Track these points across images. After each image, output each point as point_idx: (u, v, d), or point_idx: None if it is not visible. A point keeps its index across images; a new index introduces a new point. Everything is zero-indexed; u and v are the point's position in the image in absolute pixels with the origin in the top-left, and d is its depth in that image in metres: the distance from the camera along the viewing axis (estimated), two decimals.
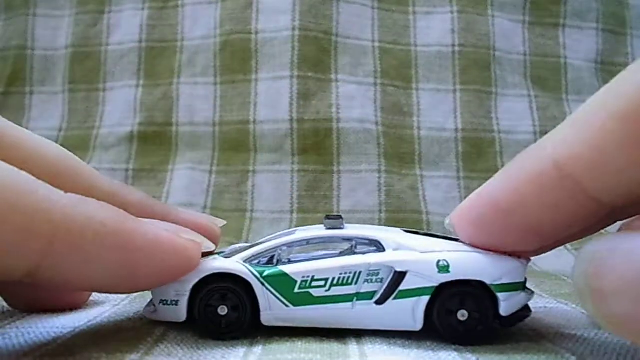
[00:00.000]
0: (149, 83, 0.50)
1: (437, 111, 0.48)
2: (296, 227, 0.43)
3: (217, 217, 0.43)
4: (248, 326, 0.21)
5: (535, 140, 0.48)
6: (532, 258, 0.23)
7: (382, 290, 0.21)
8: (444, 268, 0.21)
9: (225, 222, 0.28)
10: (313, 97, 0.47)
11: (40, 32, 0.53)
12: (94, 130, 0.50)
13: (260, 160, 0.47)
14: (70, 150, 0.24)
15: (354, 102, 0.47)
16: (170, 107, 0.49)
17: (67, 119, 0.51)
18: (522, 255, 0.21)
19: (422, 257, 0.21)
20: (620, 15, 0.53)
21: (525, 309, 0.22)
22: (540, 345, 0.21)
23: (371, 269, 0.21)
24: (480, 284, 0.21)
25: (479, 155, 0.48)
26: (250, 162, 0.47)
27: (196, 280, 0.21)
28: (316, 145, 0.46)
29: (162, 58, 0.50)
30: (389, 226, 0.28)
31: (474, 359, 0.19)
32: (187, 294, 0.21)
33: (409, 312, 0.21)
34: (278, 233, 0.25)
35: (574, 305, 0.27)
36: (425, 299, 0.21)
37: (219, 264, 0.22)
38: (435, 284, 0.21)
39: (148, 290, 0.22)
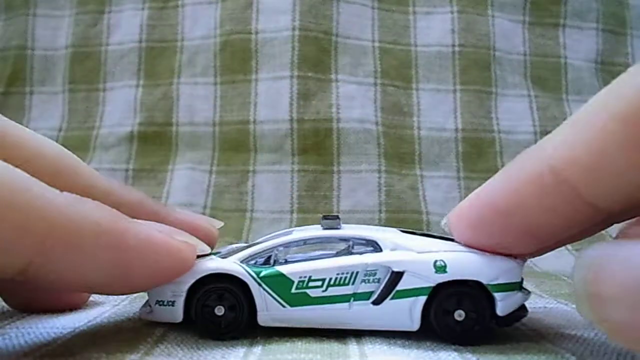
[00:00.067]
0: (149, 83, 0.50)
1: (437, 111, 0.48)
2: (296, 227, 0.43)
3: (217, 217, 0.43)
4: (245, 326, 0.21)
5: (535, 141, 0.48)
6: (532, 258, 0.23)
7: (379, 291, 0.21)
8: (441, 268, 0.21)
9: (222, 224, 0.28)
10: (313, 97, 0.47)
11: (40, 32, 0.53)
12: (94, 130, 0.50)
13: (260, 160, 0.47)
14: (70, 150, 0.24)
15: (354, 102, 0.47)
16: (170, 107, 0.49)
17: (67, 119, 0.51)
18: (518, 256, 0.21)
19: (419, 257, 0.21)
20: (620, 15, 0.53)
21: (522, 309, 0.22)
22: (540, 345, 0.21)
23: (368, 269, 0.21)
24: (477, 284, 0.21)
25: (479, 155, 0.48)
26: (250, 162, 0.47)
27: (192, 280, 0.21)
28: (316, 145, 0.46)
29: (162, 58, 0.50)
30: (388, 226, 0.28)
31: (474, 359, 0.20)
32: (184, 294, 0.21)
33: (406, 312, 0.21)
34: (275, 233, 0.25)
35: (574, 305, 0.27)
36: (423, 299, 0.21)
37: (215, 264, 0.22)
38: (432, 284, 0.21)
39: (143, 291, 0.22)
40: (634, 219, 0.17)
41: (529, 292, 0.22)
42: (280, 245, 0.22)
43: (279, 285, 0.21)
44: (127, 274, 0.19)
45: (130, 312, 0.25)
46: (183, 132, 0.49)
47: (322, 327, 0.22)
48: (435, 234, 0.23)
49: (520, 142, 0.48)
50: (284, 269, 0.21)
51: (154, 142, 0.49)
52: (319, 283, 0.21)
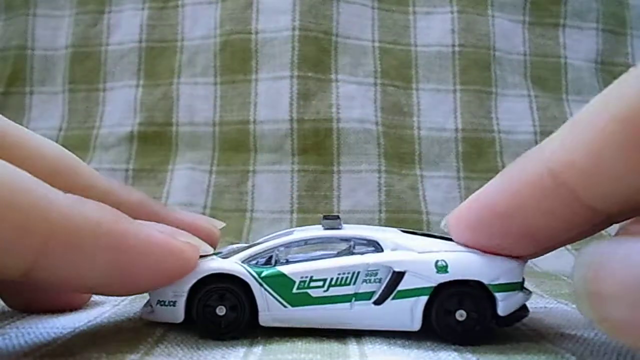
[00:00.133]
0: (149, 83, 0.50)
1: (437, 111, 0.48)
2: (296, 227, 0.43)
3: (217, 217, 0.43)
4: (246, 326, 0.21)
5: (535, 141, 0.49)
6: (531, 259, 0.23)
7: (380, 291, 0.21)
8: (442, 268, 0.21)
9: (224, 224, 0.28)
10: (313, 97, 0.47)
11: (40, 32, 0.53)
12: (94, 130, 0.50)
13: (260, 160, 0.47)
14: (70, 150, 0.24)
15: (354, 102, 0.47)
16: (170, 107, 0.49)
17: (67, 119, 0.51)
18: (518, 257, 0.21)
19: (420, 257, 0.21)
20: (620, 15, 0.53)
21: (523, 309, 0.22)
22: (540, 345, 0.21)
23: (369, 269, 0.21)
24: (478, 284, 0.21)
25: (479, 155, 0.48)
26: (250, 162, 0.47)
27: (194, 281, 0.21)
28: (316, 145, 0.46)
29: (162, 58, 0.50)
30: (388, 226, 0.28)
31: (474, 359, 0.19)
32: (185, 294, 0.21)
33: (408, 312, 0.21)
34: (276, 233, 0.25)
35: (574, 305, 0.27)
36: (424, 299, 0.21)
37: (216, 264, 0.22)
38: (434, 284, 0.21)
39: (145, 292, 0.22)
40: (634, 217, 0.17)
41: (530, 292, 0.22)
42: (281, 246, 0.22)
43: (281, 285, 0.21)
44: (128, 274, 0.19)
45: (131, 312, 0.25)
46: (183, 132, 0.49)
47: (324, 327, 0.22)
48: (435, 234, 0.23)
49: (520, 142, 0.48)
50: (285, 269, 0.21)
51: (154, 142, 0.49)
52: (321, 283, 0.21)
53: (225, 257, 0.22)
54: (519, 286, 0.21)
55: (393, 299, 0.21)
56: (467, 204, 0.21)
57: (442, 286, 0.21)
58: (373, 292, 0.21)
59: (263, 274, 0.21)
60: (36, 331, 0.22)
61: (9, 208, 0.16)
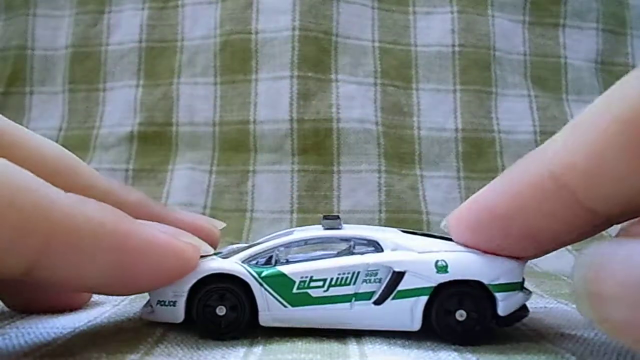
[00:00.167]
0: (149, 83, 0.50)
1: (437, 111, 0.48)
2: (296, 227, 0.43)
3: (217, 217, 0.43)
4: (246, 326, 0.21)
5: (535, 140, 0.49)
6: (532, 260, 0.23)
7: (380, 291, 0.21)
8: (442, 268, 0.21)
9: (224, 225, 0.28)
10: (313, 97, 0.47)
11: (40, 32, 0.53)
12: (94, 130, 0.50)
13: (260, 160, 0.47)
14: (70, 150, 0.24)
15: (354, 102, 0.47)
16: (170, 107, 0.49)
17: (67, 119, 0.51)
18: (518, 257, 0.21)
19: (420, 257, 0.21)
20: (620, 15, 0.53)
21: (523, 309, 0.22)
22: (540, 345, 0.21)
23: (369, 269, 0.21)
24: (478, 284, 0.21)
25: (479, 155, 0.48)
26: (250, 162, 0.47)
27: (194, 281, 0.21)
28: (316, 145, 0.46)
29: (162, 58, 0.50)
30: (388, 226, 0.28)
31: (474, 359, 0.20)
32: (185, 294, 0.21)
33: (408, 312, 0.21)
34: (276, 233, 0.25)
35: (574, 305, 0.27)
36: (424, 299, 0.21)
37: (216, 264, 0.22)
38: (434, 284, 0.21)
39: (146, 292, 0.22)
40: (635, 218, 0.17)
41: (530, 292, 0.22)
42: (281, 246, 0.22)
43: (281, 285, 0.21)
44: (130, 275, 0.19)
45: (131, 312, 0.25)
46: (183, 132, 0.49)
47: (324, 327, 0.22)
48: (435, 234, 0.23)
49: (520, 142, 0.48)
50: (285, 269, 0.21)
51: (154, 142, 0.49)
52: (321, 283, 0.21)
53: (225, 257, 0.22)
54: (519, 286, 0.21)
55: (393, 299, 0.21)
56: (467, 204, 0.21)
57: (442, 286, 0.21)
58: (373, 292, 0.21)
59: (263, 274, 0.21)
60: (36, 331, 0.22)
61: (10, 207, 0.16)
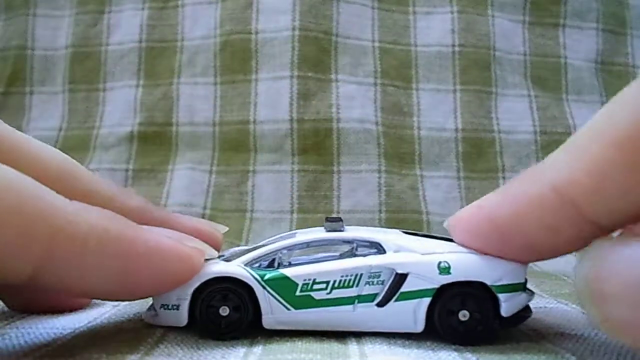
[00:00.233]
0: (149, 83, 0.50)
1: (437, 111, 0.48)
2: (296, 227, 0.43)
3: (217, 217, 0.43)
4: (248, 326, 0.21)
5: (535, 140, 0.49)
6: None
7: (383, 293, 0.21)
8: (445, 269, 0.21)
9: (227, 229, 0.28)
10: (313, 97, 0.47)
11: (40, 32, 0.53)
12: (94, 130, 0.50)
13: (260, 160, 0.47)
14: (70, 150, 0.24)
15: (354, 102, 0.47)
16: (170, 107, 0.49)
17: (67, 119, 0.51)
18: None
19: (423, 258, 0.21)
20: (620, 15, 0.53)
21: (526, 310, 0.22)
22: (540, 345, 0.21)
23: (372, 271, 0.21)
24: (481, 285, 0.21)
25: (479, 155, 0.48)
26: (250, 162, 0.47)
27: (197, 284, 0.21)
28: (316, 145, 0.46)
29: (162, 58, 0.50)
30: (388, 226, 0.28)
31: (474, 359, 0.20)
32: (188, 298, 0.21)
33: (411, 314, 0.21)
34: (278, 235, 0.25)
35: (574, 305, 0.27)
36: (427, 300, 0.21)
37: (220, 267, 0.22)
38: (437, 286, 0.21)
39: (149, 297, 0.22)
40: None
41: (533, 293, 0.22)
42: (284, 248, 0.22)
43: (284, 288, 0.21)
44: (135, 281, 0.19)
45: (131, 312, 0.25)
46: (183, 132, 0.49)
47: (327, 329, 0.22)
48: (437, 235, 0.23)
49: (520, 142, 0.48)
50: (288, 271, 0.21)
51: (154, 142, 0.49)
52: (323, 285, 0.21)
53: (228, 260, 0.23)
54: (521, 287, 0.21)
55: (396, 300, 0.21)
56: (470, 210, 0.21)
57: (444, 287, 0.21)
58: (376, 294, 0.21)
59: (266, 277, 0.21)
60: (36, 331, 0.22)
61: (15, 214, 0.16)
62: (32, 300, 0.25)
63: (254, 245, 0.24)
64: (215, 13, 0.50)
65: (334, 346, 0.21)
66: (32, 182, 0.17)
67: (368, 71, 0.48)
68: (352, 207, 0.45)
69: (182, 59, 0.50)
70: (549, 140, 0.48)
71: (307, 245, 0.23)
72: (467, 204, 0.22)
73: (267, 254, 0.22)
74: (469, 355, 0.20)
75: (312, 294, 0.21)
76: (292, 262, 0.22)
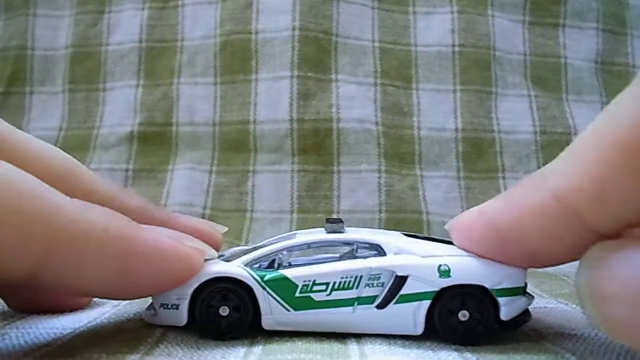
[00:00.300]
0: (149, 83, 0.50)
1: (437, 111, 0.48)
2: (296, 227, 0.43)
3: (217, 217, 0.43)
4: (248, 326, 0.21)
5: (535, 140, 0.49)
6: None
7: (383, 295, 0.21)
8: (445, 272, 0.21)
9: (227, 229, 0.28)
10: (313, 97, 0.47)
11: (40, 32, 0.53)
12: (94, 130, 0.50)
13: (260, 160, 0.47)
14: (70, 150, 0.24)
15: (354, 102, 0.47)
16: (170, 107, 0.49)
17: (67, 119, 0.51)
18: None
19: (423, 261, 0.21)
20: (620, 15, 0.53)
21: (525, 313, 0.22)
22: (540, 345, 0.21)
23: (372, 273, 0.21)
24: (480, 289, 0.21)
25: (479, 155, 0.48)
26: (250, 162, 0.47)
27: (197, 284, 0.21)
28: (316, 145, 0.46)
29: (162, 58, 0.50)
30: (388, 227, 0.28)
31: (474, 359, 0.20)
32: (188, 297, 0.21)
33: (410, 317, 0.21)
34: (278, 236, 0.25)
35: (574, 305, 0.27)
36: (426, 303, 0.21)
37: (219, 268, 0.22)
38: (437, 289, 0.21)
39: (149, 296, 0.22)
40: None
41: (533, 297, 0.22)
42: (284, 249, 0.22)
43: (283, 289, 0.21)
44: (135, 280, 0.19)
45: (131, 312, 0.25)
46: (183, 132, 0.49)
47: (326, 330, 0.22)
48: (437, 237, 0.23)
49: (520, 142, 0.48)
50: (288, 272, 0.21)
51: (154, 142, 0.49)
52: (323, 287, 0.21)
53: (227, 260, 0.23)
54: (521, 291, 0.21)
55: (396, 303, 0.21)
56: (472, 215, 0.21)
57: (444, 290, 0.21)
58: (376, 296, 0.21)
59: (266, 278, 0.21)
60: (36, 331, 0.22)
61: (15, 212, 0.16)
62: (32, 300, 0.25)
63: (254, 246, 0.24)
64: (215, 13, 0.50)
65: (334, 346, 0.21)
66: (33, 180, 0.17)
67: (368, 71, 0.48)
68: (352, 207, 0.44)
69: (182, 59, 0.50)
70: (549, 140, 0.48)
71: (308, 246, 0.23)
72: (467, 204, 0.22)
73: (267, 254, 0.22)
74: (469, 355, 0.20)
75: (311, 295, 0.21)
76: (292, 263, 0.22)
